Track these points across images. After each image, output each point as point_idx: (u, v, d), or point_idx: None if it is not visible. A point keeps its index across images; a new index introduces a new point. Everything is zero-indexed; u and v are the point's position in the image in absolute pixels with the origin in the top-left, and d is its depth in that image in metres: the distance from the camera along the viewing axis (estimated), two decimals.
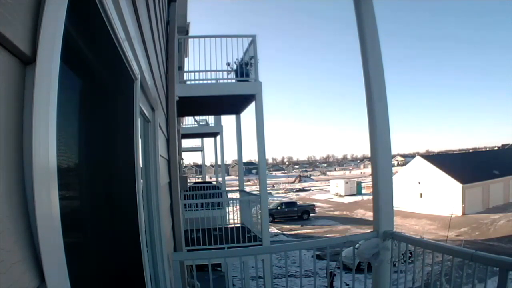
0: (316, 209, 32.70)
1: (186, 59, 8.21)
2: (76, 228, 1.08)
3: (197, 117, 13.45)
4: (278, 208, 30.05)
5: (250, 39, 6.74)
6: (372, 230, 2.98)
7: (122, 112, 1.41)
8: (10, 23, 0.51)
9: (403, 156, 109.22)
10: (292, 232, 26.29)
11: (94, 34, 1.07)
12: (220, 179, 15.28)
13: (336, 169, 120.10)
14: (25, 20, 0.56)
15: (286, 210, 30.15)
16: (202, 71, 6.72)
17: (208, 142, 18.46)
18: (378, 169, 2.96)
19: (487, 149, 79.05)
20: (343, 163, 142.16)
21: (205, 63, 6.55)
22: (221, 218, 7.95)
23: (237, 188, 10.64)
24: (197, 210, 6.98)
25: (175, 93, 3.82)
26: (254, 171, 72.88)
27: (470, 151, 78.92)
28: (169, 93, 3.76)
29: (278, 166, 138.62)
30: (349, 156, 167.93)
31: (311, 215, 30.57)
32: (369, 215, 27.61)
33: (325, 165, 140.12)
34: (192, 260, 3.14)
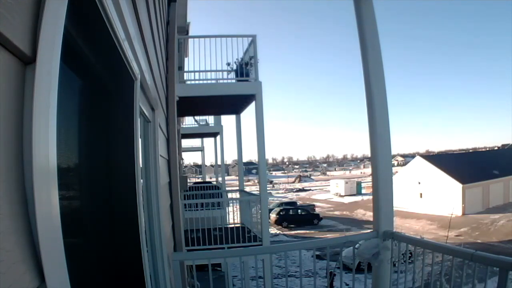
0: (316, 209, 32.63)
1: (186, 59, 8.21)
2: (76, 228, 1.08)
3: (197, 117, 13.45)
4: (291, 212, 29.21)
5: (250, 39, 6.74)
6: (372, 230, 2.98)
7: (122, 112, 1.41)
8: (10, 23, 0.51)
9: (403, 156, 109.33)
10: (292, 232, 26.26)
11: (94, 34, 1.07)
12: (220, 179, 15.28)
13: (336, 169, 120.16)
14: (25, 20, 0.56)
15: (302, 213, 29.39)
16: (202, 71, 6.72)
17: (208, 142, 18.47)
18: (378, 169, 2.96)
19: (487, 149, 79.05)
20: (343, 163, 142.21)
21: (205, 63, 6.58)
22: (221, 218, 7.95)
23: (237, 188, 10.64)
24: (197, 210, 6.98)
25: (175, 93, 3.82)
26: (254, 171, 72.90)
27: (470, 151, 78.95)
28: (169, 93, 3.75)
29: (278, 166, 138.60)
30: (349, 156, 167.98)
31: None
32: (369, 215, 27.60)
33: (325, 165, 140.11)
34: (192, 260, 3.13)
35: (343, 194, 46.11)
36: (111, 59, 1.26)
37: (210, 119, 14.09)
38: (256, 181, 48.83)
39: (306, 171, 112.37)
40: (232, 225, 8.03)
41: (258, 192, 6.97)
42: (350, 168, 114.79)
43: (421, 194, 31.02)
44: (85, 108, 1.22)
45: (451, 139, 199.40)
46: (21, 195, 0.54)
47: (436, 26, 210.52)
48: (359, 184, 48.47)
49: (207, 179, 20.13)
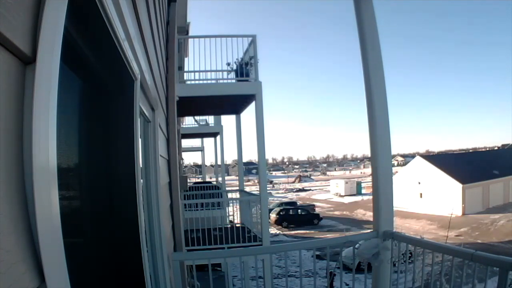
0: (316, 209, 32.61)
1: (186, 59, 8.21)
2: (76, 228, 1.08)
3: (197, 117, 13.45)
4: (291, 212, 29.37)
5: (250, 39, 6.74)
6: (372, 230, 2.98)
7: (122, 112, 1.41)
8: (10, 23, 0.51)
9: (403, 156, 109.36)
10: (292, 232, 26.24)
11: (94, 34, 1.07)
12: (220, 179, 15.28)
13: (336, 169, 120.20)
14: (25, 20, 0.56)
15: (302, 213, 29.34)
16: (202, 71, 6.72)
17: (208, 142, 18.45)
18: (378, 169, 2.96)
19: (487, 149, 79.02)
20: (343, 163, 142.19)
21: (205, 63, 6.57)
22: (221, 218, 7.95)
23: (237, 188, 10.64)
24: (197, 210, 6.98)
25: (175, 93, 3.82)
26: (254, 171, 72.91)
27: (470, 151, 78.91)
28: (169, 93, 3.75)
29: (278, 166, 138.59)
30: (349, 156, 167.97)
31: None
32: (369, 215, 27.59)
33: (325, 165, 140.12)
34: (192, 260, 3.14)
35: (343, 194, 46.10)
36: (111, 59, 1.26)
37: (210, 119, 14.09)
38: (256, 181, 48.83)
39: (306, 171, 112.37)
40: (232, 225, 8.04)
41: (258, 192, 6.98)
42: (350, 168, 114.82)
43: (421, 194, 31.02)
44: (85, 108, 1.22)
45: (451, 139, 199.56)
46: (21, 195, 0.54)
47: (436, 25, 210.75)
48: (359, 184, 48.46)
49: (207, 179, 20.11)
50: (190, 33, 8.45)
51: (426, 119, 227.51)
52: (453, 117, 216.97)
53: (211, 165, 36.87)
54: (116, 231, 1.40)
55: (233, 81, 6.87)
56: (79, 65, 1.10)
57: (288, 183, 71.71)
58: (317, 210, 32.40)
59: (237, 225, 8.00)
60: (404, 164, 56.79)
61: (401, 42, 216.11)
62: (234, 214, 8.79)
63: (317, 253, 9.39)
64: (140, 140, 1.65)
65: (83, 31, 1.02)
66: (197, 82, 6.89)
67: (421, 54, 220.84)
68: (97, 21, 0.98)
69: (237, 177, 13.00)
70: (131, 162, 1.41)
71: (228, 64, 6.72)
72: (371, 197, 3.18)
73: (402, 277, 2.82)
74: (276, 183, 67.58)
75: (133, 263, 1.45)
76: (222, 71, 6.82)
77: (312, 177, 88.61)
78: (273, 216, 27.64)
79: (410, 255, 2.78)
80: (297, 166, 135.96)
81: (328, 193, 49.47)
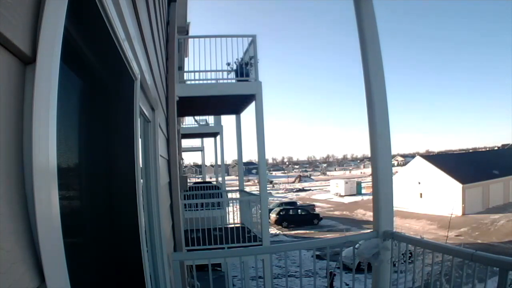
0: (316, 209, 32.60)
1: (186, 59, 8.21)
2: (76, 228, 1.08)
3: (197, 117, 13.45)
4: (291, 212, 29.40)
5: (250, 39, 6.75)
6: (372, 230, 2.98)
7: (122, 112, 1.41)
8: (10, 23, 0.51)
9: (403, 156, 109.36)
10: (292, 232, 26.24)
11: (94, 34, 1.07)
12: (220, 179, 15.28)
13: (336, 169, 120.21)
14: (25, 20, 0.56)
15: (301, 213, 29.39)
16: (202, 71, 6.72)
17: (208, 142, 18.45)
18: (378, 169, 2.96)
19: (487, 149, 79.00)
20: (343, 163, 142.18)
21: (205, 63, 6.57)
22: (221, 218, 7.95)
23: (237, 188, 10.65)
24: (197, 210, 6.98)
25: (175, 93, 3.82)
26: (254, 171, 72.93)
27: (470, 151, 78.91)
28: (169, 93, 3.75)
29: (278, 166, 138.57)
30: (349, 156, 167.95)
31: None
32: (369, 215, 27.59)
33: (325, 165, 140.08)
34: (192, 260, 3.14)
35: (343, 194, 46.11)
36: (111, 59, 1.26)
37: (210, 119, 14.09)
38: (256, 181, 48.87)
39: (306, 171, 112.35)
40: (232, 225, 8.04)
41: (258, 192, 6.98)
42: (350, 168, 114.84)
43: (421, 194, 31.01)
44: (85, 108, 1.22)
45: (451, 139, 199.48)
46: (21, 195, 0.54)
47: (437, 25, 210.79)
48: (359, 184, 48.46)
49: (207, 179, 20.12)
50: (190, 33, 8.45)
51: (426, 119, 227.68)
52: (453, 117, 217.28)
53: (211, 165, 36.89)
54: (116, 231, 1.40)
55: (233, 81, 6.87)
56: (79, 65, 1.10)
57: (288, 183, 71.71)
58: (317, 210, 32.38)
59: (237, 225, 8.01)
60: (404, 164, 56.77)
61: (401, 41, 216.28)
62: (234, 214, 8.79)
63: (317, 253, 9.38)
64: (140, 140, 1.65)
65: (83, 31, 1.02)
66: (197, 82, 6.89)
67: (421, 53, 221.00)
68: (97, 21, 0.98)
69: (237, 177, 13.00)
70: (131, 162, 1.41)
71: (228, 64, 6.72)
72: (371, 197, 3.18)
73: (402, 277, 2.82)
74: (276, 183, 67.58)
75: (133, 263, 1.46)
76: (222, 71, 6.83)
77: (312, 177, 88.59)
78: (273, 216, 27.65)
79: (410, 255, 2.78)
80: (297, 166, 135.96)
81: (328, 193, 49.47)
